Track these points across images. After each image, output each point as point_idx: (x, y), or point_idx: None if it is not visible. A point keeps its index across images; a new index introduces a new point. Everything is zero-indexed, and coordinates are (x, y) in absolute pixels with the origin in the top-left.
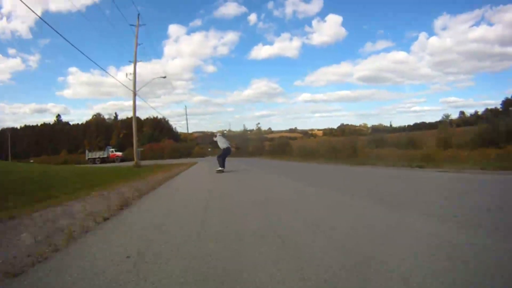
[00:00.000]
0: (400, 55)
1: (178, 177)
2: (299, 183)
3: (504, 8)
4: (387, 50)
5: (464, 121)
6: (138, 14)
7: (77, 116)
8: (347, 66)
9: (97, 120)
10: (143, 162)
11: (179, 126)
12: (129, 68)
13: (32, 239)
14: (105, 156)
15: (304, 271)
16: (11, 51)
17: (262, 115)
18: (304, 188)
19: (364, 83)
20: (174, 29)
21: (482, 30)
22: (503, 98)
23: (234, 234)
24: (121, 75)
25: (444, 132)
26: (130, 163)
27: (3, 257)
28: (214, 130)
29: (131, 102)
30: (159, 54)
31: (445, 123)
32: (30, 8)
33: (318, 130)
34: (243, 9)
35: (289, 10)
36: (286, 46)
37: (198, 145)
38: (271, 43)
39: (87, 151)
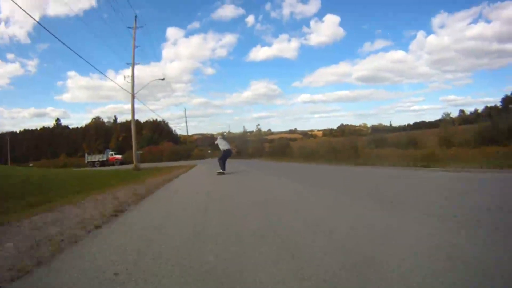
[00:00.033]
0: (399, 54)
1: (177, 179)
2: (300, 184)
3: (501, 4)
4: (385, 49)
5: (464, 119)
6: (136, 16)
7: (77, 120)
8: (346, 66)
9: (97, 123)
10: (143, 165)
11: (178, 128)
12: (128, 72)
13: (16, 250)
14: (105, 159)
15: (304, 271)
16: (10, 56)
17: (261, 117)
18: (304, 189)
19: (363, 83)
20: (172, 32)
21: (480, 28)
22: (502, 96)
23: (234, 235)
24: (120, 78)
25: (445, 131)
26: (129, 166)
27: None
28: (214, 132)
29: (130, 105)
30: (158, 57)
31: (446, 122)
32: (28, 13)
33: (318, 130)
34: (241, 11)
35: (286, 11)
36: (284, 47)
37: (197, 147)
38: (269, 45)
39: (86, 155)
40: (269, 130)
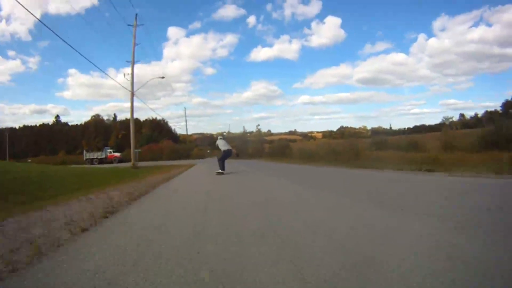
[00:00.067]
0: (399, 56)
1: (176, 178)
2: (299, 186)
3: (502, 8)
4: (386, 51)
5: (464, 123)
6: (136, 14)
7: (77, 117)
8: (346, 68)
9: (96, 121)
10: (141, 163)
11: (178, 127)
12: (129, 70)
13: None
14: (103, 157)
15: (304, 271)
16: (11, 53)
17: (261, 117)
18: (304, 191)
19: (363, 85)
20: (173, 32)
21: (481, 31)
22: (502, 100)
23: (234, 235)
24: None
25: (447, 135)
26: (127, 164)
27: None
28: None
29: (130, 104)
30: (158, 56)
31: (449, 125)
32: (29, 11)
33: (318, 132)
34: (242, 11)
35: (288, 12)
36: (285, 48)
37: (197, 146)
38: (270, 45)
39: (85, 152)
40: (269, 131)
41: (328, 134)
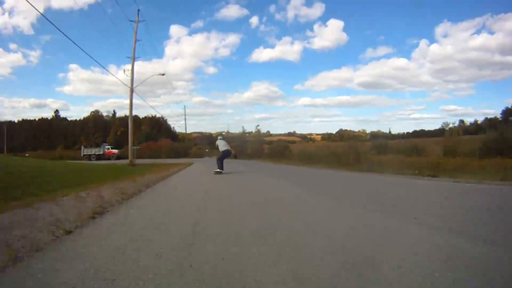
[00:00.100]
0: (401, 61)
1: (174, 177)
2: (299, 187)
3: (505, 16)
4: (387, 56)
5: (464, 130)
6: (138, 10)
7: (77, 113)
8: (348, 71)
9: (95, 116)
10: (139, 161)
11: (177, 126)
12: (129, 66)
13: None
14: (101, 153)
15: (304, 271)
16: (13, 46)
17: (262, 118)
18: (304, 192)
19: (364, 89)
20: (175, 30)
21: (482, 38)
22: (502, 107)
23: (234, 235)
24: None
25: (449, 140)
26: (125, 161)
27: None
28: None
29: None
30: (160, 54)
31: (451, 131)
32: (32, 5)
33: (317, 134)
34: (245, 11)
35: (291, 14)
36: (287, 49)
37: (196, 145)
38: (272, 46)
39: (82, 148)
40: (268, 131)
41: (327, 137)
